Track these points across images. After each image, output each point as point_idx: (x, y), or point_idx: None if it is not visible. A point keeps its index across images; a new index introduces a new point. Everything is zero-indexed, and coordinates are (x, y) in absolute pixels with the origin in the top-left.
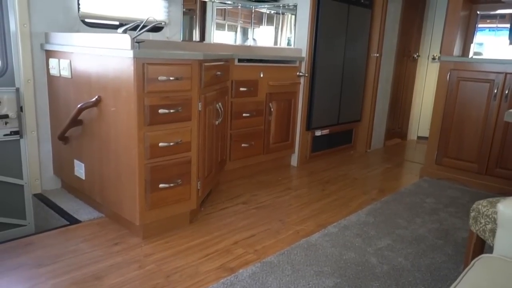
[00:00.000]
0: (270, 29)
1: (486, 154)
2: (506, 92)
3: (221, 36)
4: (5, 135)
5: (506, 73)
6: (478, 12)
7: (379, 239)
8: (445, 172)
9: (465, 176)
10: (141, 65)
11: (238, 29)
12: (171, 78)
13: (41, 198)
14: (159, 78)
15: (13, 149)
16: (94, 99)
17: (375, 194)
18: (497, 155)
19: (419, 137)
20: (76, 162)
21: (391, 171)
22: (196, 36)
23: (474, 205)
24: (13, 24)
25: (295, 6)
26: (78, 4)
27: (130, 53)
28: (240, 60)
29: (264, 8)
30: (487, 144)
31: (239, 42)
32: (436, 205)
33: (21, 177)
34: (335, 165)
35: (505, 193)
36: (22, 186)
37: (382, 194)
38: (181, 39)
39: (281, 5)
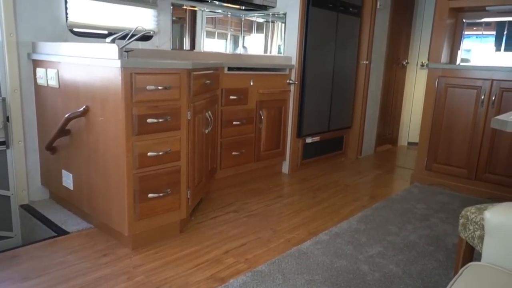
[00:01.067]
0: (260, 37)
1: (475, 160)
2: (493, 98)
3: (212, 44)
4: None
5: (493, 80)
6: (464, 20)
7: (370, 246)
8: (435, 177)
9: (455, 182)
10: (129, 74)
11: (229, 37)
12: (159, 88)
13: (28, 209)
14: (147, 87)
15: None
16: (81, 108)
17: (366, 200)
18: (486, 160)
19: (409, 143)
20: (64, 172)
21: (382, 178)
22: (186, 44)
23: (463, 212)
24: None
25: (285, 14)
26: (66, 14)
27: (118, 63)
28: (230, 69)
29: (254, 17)
30: (475, 150)
31: (229, 50)
32: (426, 211)
33: (7, 188)
34: (326, 172)
35: (494, 198)
36: (8, 197)
37: (373, 200)
38: (171, 47)
39: (270, 13)
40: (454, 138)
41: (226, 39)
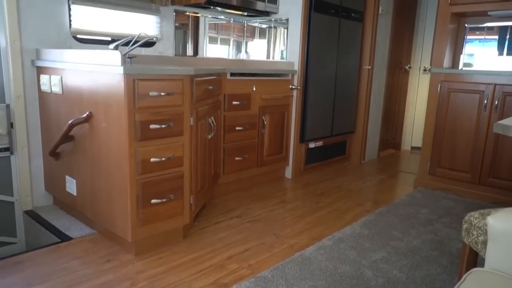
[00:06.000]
0: (263, 42)
1: (478, 164)
2: (496, 102)
3: (214, 50)
4: None
5: (495, 84)
6: (466, 25)
7: (374, 252)
8: (438, 182)
9: (458, 186)
10: (132, 81)
11: (231, 42)
12: (162, 94)
13: (32, 215)
14: (150, 93)
15: (3, 166)
16: (85, 115)
17: (369, 205)
18: (489, 164)
19: (412, 147)
20: (67, 178)
21: (385, 182)
22: (189, 50)
23: (466, 217)
24: (4, 40)
25: (287, 20)
26: (70, 21)
27: (121, 69)
28: (232, 74)
29: (256, 23)
30: (479, 154)
31: (232, 55)
32: (430, 215)
33: (11, 194)
34: (330, 177)
35: (498, 202)
36: (12, 203)
37: (377, 205)
38: (174, 53)
39: (273, 19)
40: (458, 143)
41: (229, 45)
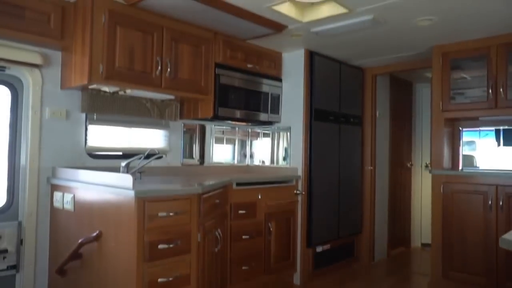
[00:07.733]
0: (267, 141)
1: (493, 267)
2: (500, 203)
3: (220, 149)
4: (1, 270)
5: (497, 185)
6: (461, 128)
7: None
8: (453, 287)
9: None
10: (142, 202)
11: (236, 141)
12: (170, 214)
13: None
14: (159, 214)
15: (7, 286)
16: (95, 234)
17: None
18: (505, 266)
19: (423, 244)
20: None
21: (397, 287)
22: (195, 153)
23: None
24: (24, 160)
25: (289, 127)
26: (85, 139)
27: (132, 193)
28: (238, 184)
29: (260, 129)
30: (491, 256)
31: (237, 155)
32: None
33: None
34: (339, 282)
35: None
36: None
37: None
38: (182, 161)
39: (276, 127)
40: (468, 244)
41: (234, 144)
